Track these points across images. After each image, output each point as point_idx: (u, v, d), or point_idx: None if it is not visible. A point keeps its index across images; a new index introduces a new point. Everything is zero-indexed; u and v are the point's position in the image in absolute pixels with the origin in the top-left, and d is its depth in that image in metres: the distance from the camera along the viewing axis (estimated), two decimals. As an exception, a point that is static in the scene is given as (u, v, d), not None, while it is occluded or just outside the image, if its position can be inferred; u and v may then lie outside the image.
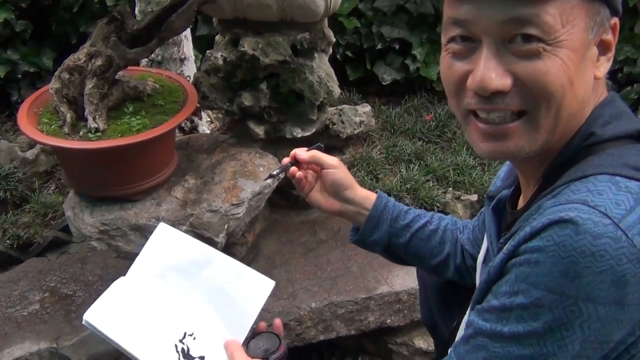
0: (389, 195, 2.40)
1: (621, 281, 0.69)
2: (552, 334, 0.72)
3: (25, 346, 1.78)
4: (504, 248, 0.80)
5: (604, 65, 0.82)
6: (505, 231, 0.95)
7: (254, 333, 1.16)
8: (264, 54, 1.89)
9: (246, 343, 1.13)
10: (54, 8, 3.31)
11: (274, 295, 1.86)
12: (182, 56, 2.62)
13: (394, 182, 2.52)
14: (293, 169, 1.22)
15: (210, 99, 2.01)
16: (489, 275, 0.82)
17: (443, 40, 0.83)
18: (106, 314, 1.13)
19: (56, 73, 1.72)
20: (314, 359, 2.10)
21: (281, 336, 1.16)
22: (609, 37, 0.81)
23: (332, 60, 2.21)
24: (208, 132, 2.69)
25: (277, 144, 2.08)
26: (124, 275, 1.20)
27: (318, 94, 1.96)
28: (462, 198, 2.43)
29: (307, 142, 1.99)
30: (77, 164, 1.76)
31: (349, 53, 3.41)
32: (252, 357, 1.08)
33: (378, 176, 2.61)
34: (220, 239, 1.76)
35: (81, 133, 1.65)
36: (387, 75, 3.41)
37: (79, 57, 1.71)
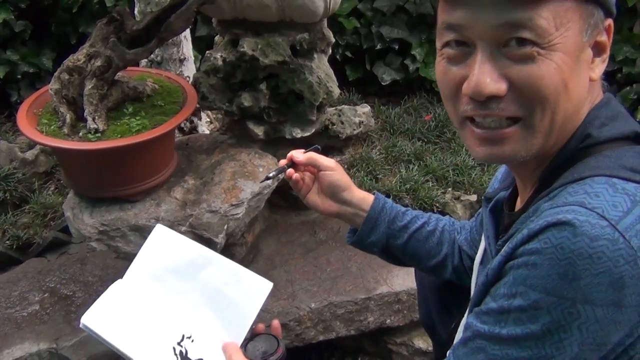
0: (389, 195, 2.43)
1: (619, 283, 0.69)
2: (551, 336, 0.73)
3: (25, 347, 1.78)
4: (502, 250, 0.80)
5: (599, 67, 0.82)
6: (502, 233, 0.95)
7: (252, 335, 1.16)
8: (264, 54, 1.89)
9: (244, 345, 1.13)
10: (54, 8, 3.31)
11: (273, 295, 1.87)
12: (182, 57, 2.62)
13: (393, 182, 2.52)
14: (290, 170, 1.22)
15: (209, 99, 2.01)
16: (486, 277, 0.82)
17: (438, 45, 0.83)
18: (104, 317, 1.12)
19: (55, 74, 1.72)
20: (313, 359, 2.10)
21: (279, 338, 1.16)
22: (603, 38, 0.81)
23: (332, 61, 2.21)
24: (207, 132, 2.69)
25: (277, 145, 2.08)
26: (123, 276, 1.19)
27: (317, 94, 1.96)
28: (462, 198, 2.43)
29: (306, 143, 1.99)
30: (77, 164, 1.76)
31: (348, 53, 3.42)
32: None
33: (377, 176, 2.61)
34: (220, 239, 1.76)
35: (81, 134, 1.65)
36: (386, 76, 3.41)
37: (78, 57, 1.71)
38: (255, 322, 1.15)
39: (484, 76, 0.76)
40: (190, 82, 2.07)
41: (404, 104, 3.32)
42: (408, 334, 2.00)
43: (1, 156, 2.59)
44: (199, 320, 1.14)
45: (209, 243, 1.75)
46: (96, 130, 1.65)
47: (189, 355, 1.10)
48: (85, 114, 1.68)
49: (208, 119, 2.84)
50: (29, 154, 2.61)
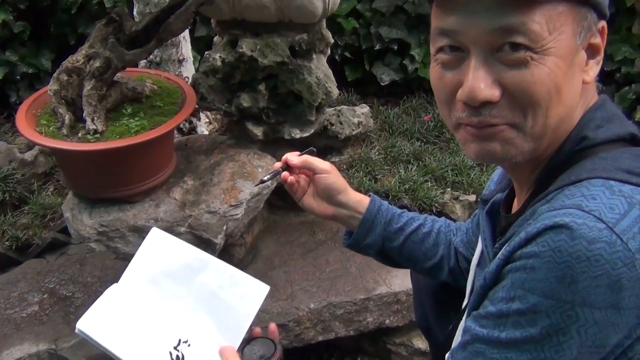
0: (388, 196, 2.43)
1: (617, 285, 0.69)
2: (550, 339, 0.72)
3: (25, 347, 1.78)
4: (499, 253, 0.80)
5: (593, 69, 0.82)
6: (499, 235, 0.95)
7: (249, 339, 1.15)
8: (262, 55, 1.89)
9: (241, 349, 1.12)
10: (53, 9, 3.31)
11: (272, 296, 1.87)
12: (181, 57, 2.62)
13: (392, 182, 2.52)
14: (285, 174, 1.21)
15: (208, 100, 2.01)
16: (485, 280, 0.82)
17: (432, 50, 0.83)
18: (99, 322, 1.11)
19: (54, 74, 1.72)
20: (312, 360, 2.10)
21: (276, 341, 1.15)
22: (597, 40, 0.81)
23: (331, 61, 2.21)
24: (206, 133, 2.69)
25: (276, 145, 2.08)
26: (118, 280, 1.19)
27: (316, 94, 1.96)
28: (461, 198, 2.43)
29: (305, 143, 1.99)
30: (76, 165, 1.76)
31: (347, 54, 3.42)
32: None
33: (376, 177, 2.61)
34: (219, 240, 1.76)
35: (80, 134, 1.65)
36: (385, 76, 3.41)
37: (77, 58, 1.71)
38: (253, 325, 1.14)
39: (478, 82, 0.76)
40: (189, 82, 2.07)
41: (403, 104, 3.32)
42: (407, 334, 2.00)
43: (0, 157, 2.59)
44: (195, 324, 1.13)
45: (208, 244, 1.75)
46: (95, 131, 1.65)
47: None
48: (84, 115, 1.68)
49: (207, 120, 2.84)
50: (28, 155, 2.61)
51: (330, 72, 2.06)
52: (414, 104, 3.31)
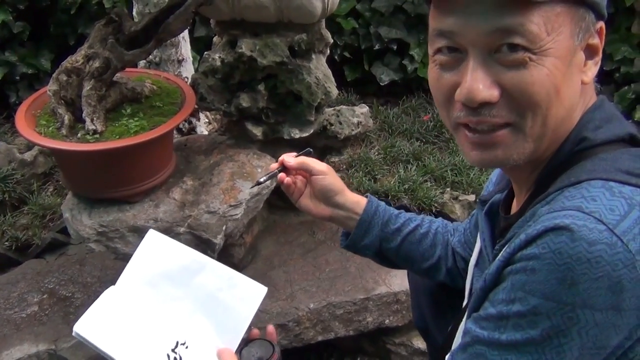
0: (387, 196, 2.43)
1: (617, 287, 0.69)
2: (550, 341, 0.72)
3: (24, 348, 1.78)
4: (499, 255, 0.80)
5: (592, 70, 0.82)
6: (499, 236, 0.95)
7: (247, 341, 1.15)
8: (262, 55, 1.89)
9: (239, 351, 1.12)
10: (52, 9, 3.31)
11: (272, 296, 1.88)
12: (180, 57, 2.62)
13: (392, 182, 2.52)
14: (281, 175, 1.21)
15: (208, 100, 2.01)
16: (485, 282, 0.81)
17: (430, 51, 0.83)
18: (96, 325, 1.11)
19: (54, 75, 1.72)
20: (312, 360, 2.10)
21: (275, 343, 1.15)
22: (595, 41, 0.81)
23: (330, 61, 2.21)
24: (206, 133, 2.69)
25: (275, 145, 2.08)
26: (118, 280, 1.19)
27: (316, 94, 1.96)
28: (460, 198, 2.43)
29: (305, 143, 1.99)
30: (75, 165, 1.76)
31: (346, 54, 3.42)
32: None
33: (376, 177, 2.61)
34: (219, 240, 1.76)
35: (79, 135, 1.65)
36: (384, 76, 3.41)
37: (76, 59, 1.71)
38: (251, 327, 1.14)
39: (476, 83, 0.76)
40: (188, 83, 2.07)
41: (402, 104, 3.32)
42: (407, 334, 2.00)
43: (0, 157, 2.59)
44: (193, 326, 1.13)
45: (207, 244, 1.75)
46: (94, 132, 1.65)
47: None
48: (83, 115, 1.68)
49: (206, 120, 2.84)
50: (28, 155, 2.61)
51: (329, 72, 2.06)
52: (413, 103, 3.31)
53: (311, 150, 1.27)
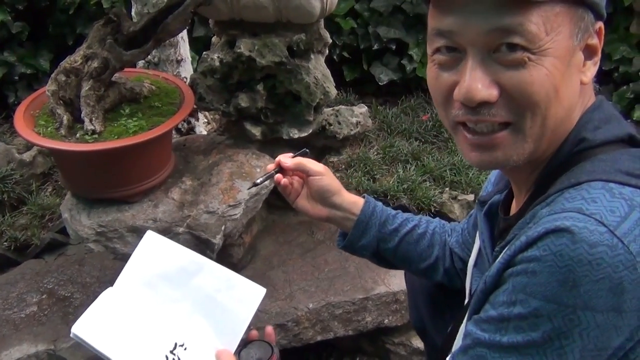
0: (386, 195, 2.43)
1: (618, 288, 0.69)
2: (552, 344, 0.72)
3: (23, 348, 1.77)
4: (500, 257, 0.80)
5: (591, 70, 0.82)
6: (499, 238, 0.95)
7: (245, 342, 1.15)
8: (260, 55, 1.89)
9: (238, 352, 1.12)
10: (51, 10, 3.31)
11: (271, 296, 1.88)
12: (179, 58, 2.62)
13: (390, 182, 2.53)
14: (278, 176, 1.20)
15: (206, 100, 2.01)
16: (485, 284, 0.81)
17: (429, 51, 0.83)
18: (94, 326, 1.11)
19: (53, 75, 1.72)
20: (311, 360, 2.10)
21: (273, 344, 1.15)
22: (594, 41, 0.81)
23: (329, 61, 2.21)
24: (205, 133, 2.69)
25: (274, 145, 2.08)
26: (116, 281, 1.18)
27: (314, 94, 1.96)
28: (459, 198, 2.43)
29: (304, 143, 1.99)
30: (74, 166, 1.76)
31: (345, 54, 3.42)
32: None
33: (375, 176, 2.61)
34: (218, 240, 1.76)
35: (78, 135, 1.65)
36: (383, 76, 3.41)
37: (75, 59, 1.71)
38: (250, 328, 1.14)
39: (475, 82, 0.76)
40: (187, 83, 2.07)
41: (401, 104, 3.33)
42: (406, 333, 2.00)
43: (-2, 158, 2.59)
44: (191, 327, 1.12)
45: (206, 244, 1.75)
46: (93, 132, 1.65)
47: None
48: (82, 116, 1.68)
49: (205, 120, 2.85)
50: (27, 156, 2.61)
51: (328, 72, 2.06)
52: (412, 103, 3.32)
53: (307, 150, 1.27)
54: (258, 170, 1.91)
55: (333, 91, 2.04)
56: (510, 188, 0.98)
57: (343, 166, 2.70)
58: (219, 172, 1.89)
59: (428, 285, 1.32)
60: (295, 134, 2.04)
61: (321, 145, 2.23)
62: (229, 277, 1.15)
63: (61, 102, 1.70)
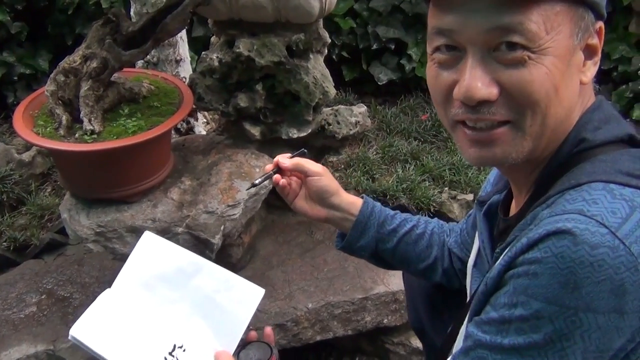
0: (385, 195, 2.43)
1: (620, 290, 0.69)
2: (553, 345, 0.72)
3: (23, 348, 1.77)
4: (500, 259, 0.80)
5: (591, 70, 0.82)
6: (498, 238, 0.95)
7: (244, 343, 1.15)
8: (259, 55, 1.89)
9: (237, 353, 1.12)
10: (50, 10, 3.31)
11: (270, 296, 1.87)
12: (178, 58, 2.62)
13: (390, 182, 2.53)
14: (276, 177, 1.20)
15: (205, 100, 2.01)
16: (486, 286, 0.81)
17: (428, 49, 0.83)
18: (93, 328, 1.11)
19: (51, 75, 1.72)
20: None
21: (272, 345, 1.15)
22: (594, 41, 0.80)
23: (328, 61, 2.21)
24: (204, 133, 2.69)
25: (273, 145, 2.08)
26: (114, 283, 1.18)
27: (314, 94, 1.96)
28: (458, 197, 2.43)
29: (303, 143, 1.99)
30: (73, 166, 1.76)
31: (344, 53, 3.42)
32: None
33: (374, 176, 2.61)
34: (217, 240, 1.76)
35: (77, 135, 1.65)
36: (383, 75, 3.41)
37: (74, 59, 1.71)
38: (249, 329, 1.14)
39: (475, 81, 0.76)
40: (186, 83, 2.07)
41: (401, 103, 3.33)
42: (405, 333, 2.00)
43: (-2, 158, 2.59)
44: (190, 329, 1.12)
45: (205, 244, 1.75)
46: (92, 132, 1.65)
47: None
48: (81, 116, 1.68)
49: (204, 120, 2.84)
50: (26, 156, 2.61)
51: (327, 72, 2.06)
52: (411, 103, 3.32)
53: (305, 151, 1.26)
54: (257, 170, 1.91)
55: (332, 91, 2.04)
56: (509, 188, 0.98)
57: (342, 166, 2.69)
58: (218, 172, 1.89)
59: (426, 286, 1.32)
60: (295, 133, 2.04)
61: (320, 145, 2.23)
62: (228, 278, 1.15)
63: (60, 102, 1.70)
